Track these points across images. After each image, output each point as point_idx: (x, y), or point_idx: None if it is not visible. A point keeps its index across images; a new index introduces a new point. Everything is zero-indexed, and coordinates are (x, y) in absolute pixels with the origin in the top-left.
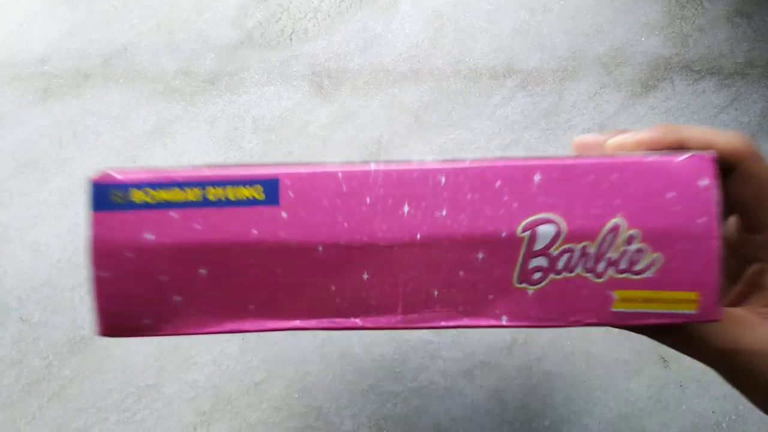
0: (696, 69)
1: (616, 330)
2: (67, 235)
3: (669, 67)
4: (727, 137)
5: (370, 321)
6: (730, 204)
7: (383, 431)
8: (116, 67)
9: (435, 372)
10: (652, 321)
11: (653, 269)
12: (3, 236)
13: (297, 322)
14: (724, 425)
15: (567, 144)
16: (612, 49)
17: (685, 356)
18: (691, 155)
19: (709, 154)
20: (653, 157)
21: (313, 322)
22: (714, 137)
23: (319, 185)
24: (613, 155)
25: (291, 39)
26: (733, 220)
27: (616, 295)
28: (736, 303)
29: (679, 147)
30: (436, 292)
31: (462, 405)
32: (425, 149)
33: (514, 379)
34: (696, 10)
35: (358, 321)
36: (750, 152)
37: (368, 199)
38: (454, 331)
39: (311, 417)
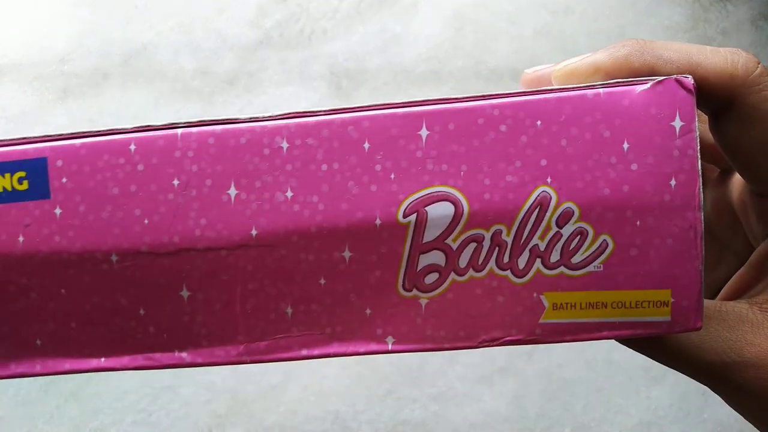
0: None
1: None
2: None
3: None
4: (719, 57)
5: (201, 355)
6: (728, 155)
7: None
8: (135, 67)
9: (453, 377)
10: (603, 335)
11: (600, 260)
12: None
13: (101, 361)
14: None
15: None
16: None
17: None
18: (659, 81)
19: (687, 80)
20: (599, 89)
21: (123, 360)
22: (701, 57)
23: (103, 164)
24: (540, 90)
25: (310, 39)
26: (737, 180)
27: (546, 300)
28: (735, 293)
29: (653, 74)
30: (289, 310)
31: (481, 411)
32: None
33: (534, 386)
34: (720, 13)
35: (185, 356)
36: (755, 78)
37: (176, 181)
38: None
39: (327, 421)
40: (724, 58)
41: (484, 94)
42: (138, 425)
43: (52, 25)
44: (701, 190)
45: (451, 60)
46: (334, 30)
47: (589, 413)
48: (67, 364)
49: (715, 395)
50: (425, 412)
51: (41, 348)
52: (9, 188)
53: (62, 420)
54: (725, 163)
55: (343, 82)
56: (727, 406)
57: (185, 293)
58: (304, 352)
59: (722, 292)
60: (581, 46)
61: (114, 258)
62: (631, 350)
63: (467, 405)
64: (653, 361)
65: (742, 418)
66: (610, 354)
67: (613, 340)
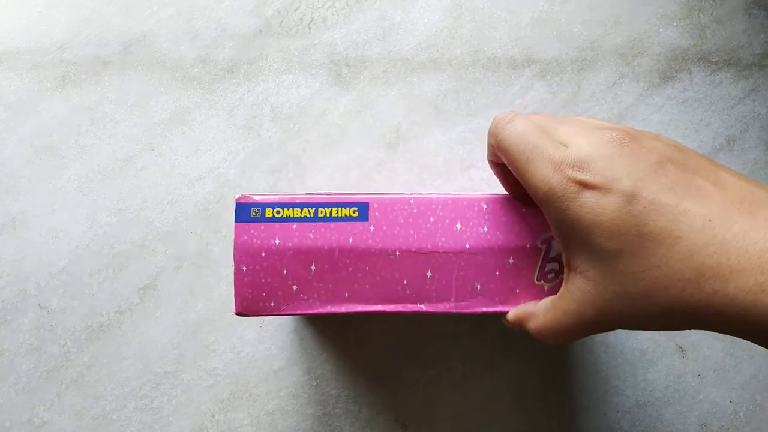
0: (714, 60)
1: None
2: (86, 221)
3: (687, 58)
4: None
5: (431, 307)
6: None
7: (402, 418)
8: (135, 55)
9: (454, 359)
10: None
11: None
12: (21, 222)
13: (378, 307)
14: (741, 414)
15: None
16: (630, 40)
17: (703, 346)
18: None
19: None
20: None
21: (390, 307)
22: (489, 136)
23: (397, 208)
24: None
25: (309, 27)
26: None
27: None
28: None
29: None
30: (479, 286)
31: (481, 393)
32: (444, 138)
33: (534, 368)
34: (714, 1)
35: (422, 307)
36: (493, 127)
37: (432, 218)
38: (474, 319)
39: (329, 404)
40: (491, 131)
41: None
42: (140, 411)
43: (50, 13)
44: None
45: (449, 48)
46: (333, 19)
47: (586, 395)
48: (359, 308)
49: (710, 378)
50: (426, 393)
51: (347, 298)
52: (348, 214)
53: (63, 407)
54: None
55: (343, 70)
56: (723, 387)
57: (429, 273)
58: (483, 309)
59: None
60: (577, 35)
61: (397, 253)
62: (627, 333)
63: (468, 386)
64: (649, 344)
65: (737, 399)
66: (607, 337)
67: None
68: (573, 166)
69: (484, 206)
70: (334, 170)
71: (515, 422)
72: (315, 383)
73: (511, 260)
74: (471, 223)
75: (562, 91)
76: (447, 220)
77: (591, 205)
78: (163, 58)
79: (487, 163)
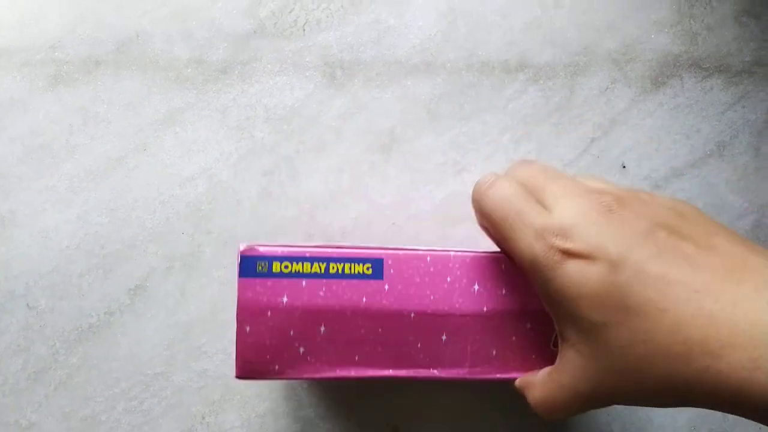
0: (704, 67)
1: None
2: (76, 221)
3: (678, 64)
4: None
5: (444, 372)
6: None
7: (393, 420)
8: (128, 55)
9: None
10: None
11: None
12: (11, 222)
13: (390, 372)
14: (730, 417)
15: (578, 138)
16: (623, 46)
17: None
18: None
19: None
20: None
21: (401, 372)
22: (471, 202)
23: (413, 265)
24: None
25: (304, 29)
26: None
27: None
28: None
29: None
30: (494, 352)
31: (477, 396)
32: (437, 142)
33: None
34: (704, 8)
35: (435, 372)
36: (475, 192)
37: (449, 278)
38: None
39: (321, 407)
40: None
41: None
42: (129, 413)
43: (42, 11)
44: None
45: (443, 52)
46: (327, 21)
47: None
48: (370, 372)
49: None
50: (421, 397)
51: (357, 361)
52: (362, 271)
53: (51, 409)
54: None
55: (337, 72)
56: None
57: (444, 337)
58: (498, 376)
59: None
60: (570, 40)
61: (412, 315)
62: None
63: (464, 389)
64: None
65: None
66: None
67: None
68: (556, 234)
69: (503, 266)
70: (327, 172)
71: (506, 426)
72: (306, 385)
73: (528, 325)
74: (489, 285)
75: (555, 96)
76: (464, 280)
77: (574, 276)
78: (157, 58)
79: (480, 167)
